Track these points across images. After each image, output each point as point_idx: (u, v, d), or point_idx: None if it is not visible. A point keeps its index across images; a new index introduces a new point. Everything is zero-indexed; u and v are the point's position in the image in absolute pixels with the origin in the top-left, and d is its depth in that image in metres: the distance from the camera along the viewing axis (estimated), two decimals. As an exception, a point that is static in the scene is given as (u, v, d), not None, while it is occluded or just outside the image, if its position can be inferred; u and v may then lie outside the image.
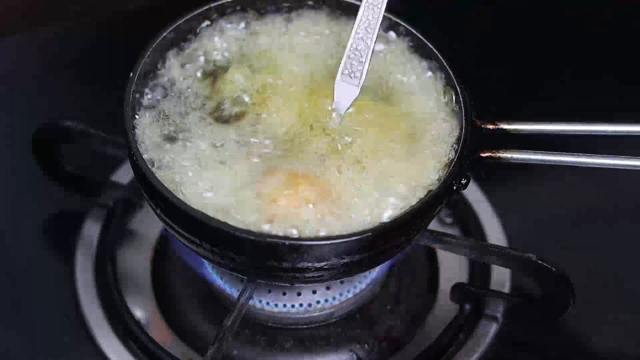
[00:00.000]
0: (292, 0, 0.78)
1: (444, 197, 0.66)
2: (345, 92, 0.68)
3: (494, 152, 0.68)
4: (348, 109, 0.68)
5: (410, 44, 0.76)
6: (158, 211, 0.66)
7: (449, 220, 0.92)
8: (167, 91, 0.72)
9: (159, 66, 0.73)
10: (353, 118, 0.70)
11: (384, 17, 0.75)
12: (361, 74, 0.67)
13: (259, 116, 0.70)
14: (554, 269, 0.70)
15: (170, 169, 0.66)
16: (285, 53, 0.76)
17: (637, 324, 0.85)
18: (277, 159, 0.67)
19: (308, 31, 0.78)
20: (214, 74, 0.74)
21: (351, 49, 0.67)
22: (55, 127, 0.84)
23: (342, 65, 0.68)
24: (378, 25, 0.67)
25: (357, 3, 0.69)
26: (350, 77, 0.67)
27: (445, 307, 0.84)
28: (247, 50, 0.76)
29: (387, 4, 0.67)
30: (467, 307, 0.83)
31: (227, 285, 0.80)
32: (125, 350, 0.79)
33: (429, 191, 0.66)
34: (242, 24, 0.77)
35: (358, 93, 0.68)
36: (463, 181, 0.67)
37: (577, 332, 0.82)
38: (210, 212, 0.62)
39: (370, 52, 0.67)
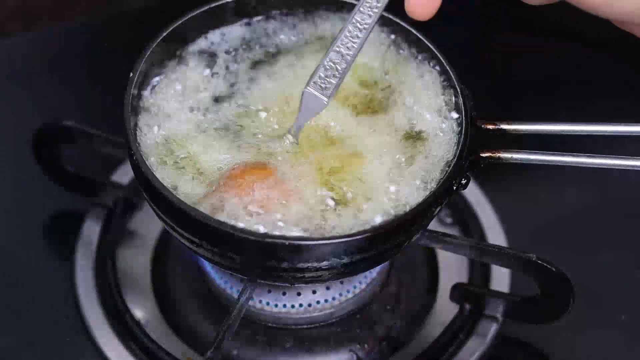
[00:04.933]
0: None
1: (444, 197, 0.66)
2: (313, 102, 0.65)
3: (494, 152, 0.68)
4: (307, 122, 0.66)
5: (410, 43, 0.76)
6: (158, 211, 0.66)
7: (449, 220, 0.92)
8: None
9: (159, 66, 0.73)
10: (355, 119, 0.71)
11: (383, 15, 0.76)
12: (333, 89, 0.64)
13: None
14: (554, 269, 0.70)
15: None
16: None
17: (637, 323, 0.85)
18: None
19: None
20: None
21: (327, 60, 0.65)
22: (55, 127, 0.84)
23: (314, 74, 0.64)
24: (360, 47, 0.64)
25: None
26: (322, 87, 0.64)
27: (445, 307, 0.84)
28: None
29: (385, 8, 0.67)
30: (467, 307, 0.83)
31: (227, 285, 0.80)
32: (125, 350, 0.79)
33: (429, 191, 0.66)
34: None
35: (324, 108, 0.65)
36: (463, 181, 0.67)
37: (577, 332, 0.82)
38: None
39: (346, 72, 0.64)
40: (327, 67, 0.64)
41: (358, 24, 0.64)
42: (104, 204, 0.90)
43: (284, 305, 0.80)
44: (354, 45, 0.64)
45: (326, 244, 0.61)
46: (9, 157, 0.97)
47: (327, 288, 0.80)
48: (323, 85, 0.64)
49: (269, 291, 0.79)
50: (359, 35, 0.64)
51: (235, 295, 0.78)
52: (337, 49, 0.64)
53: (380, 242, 0.63)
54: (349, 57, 0.64)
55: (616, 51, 1.11)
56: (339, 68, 0.64)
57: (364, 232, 0.62)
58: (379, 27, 0.77)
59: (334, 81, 0.64)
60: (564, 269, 0.70)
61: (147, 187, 0.64)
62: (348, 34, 0.64)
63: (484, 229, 0.90)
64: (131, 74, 0.69)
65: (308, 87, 0.64)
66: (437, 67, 0.74)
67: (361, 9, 0.64)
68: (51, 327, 0.82)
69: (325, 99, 0.64)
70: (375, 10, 0.64)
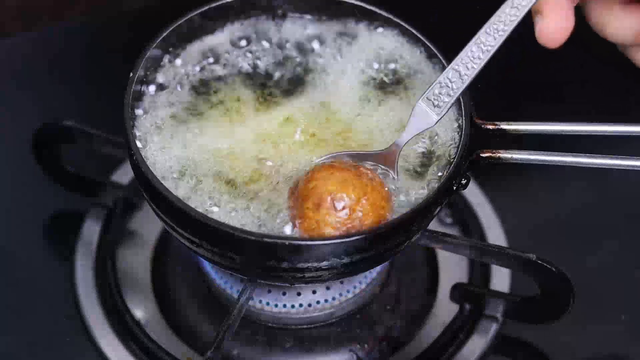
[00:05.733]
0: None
1: (444, 197, 0.66)
2: (423, 118, 0.64)
3: (494, 152, 0.68)
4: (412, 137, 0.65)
5: (410, 43, 0.76)
6: (158, 211, 0.66)
7: (449, 220, 0.92)
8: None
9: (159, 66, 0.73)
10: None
11: (386, 18, 0.76)
12: (445, 107, 0.64)
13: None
14: (554, 269, 0.70)
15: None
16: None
17: (637, 323, 0.85)
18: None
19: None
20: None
21: (444, 78, 0.64)
22: (55, 127, 0.84)
23: (429, 89, 0.64)
24: (480, 69, 0.63)
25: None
26: (434, 104, 0.64)
27: (445, 307, 0.84)
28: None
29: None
30: (467, 307, 0.83)
31: (227, 285, 0.80)
32: (125, 350, 0.79)
33: (429, 191, 0.66)
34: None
35: (435, 124, 0.65)
36: (463, 181, 0.67)
37: (577, 332, 0.82)
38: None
39: (461, 92, 0.64)
40: (443, 84, 0.63)
41: (482, 45, 0.62)
42: (104, 204, 0.90)
43: (284, 305, 0.80)
44: (474, 66, 0.63)
45: (326, 244, 0.61)
46: (9, 157, 0.97)
47: (327, 288, 0.80)
48: (436, 103, 0.63)
49: (269, 291, 0.79)
50: (481, 56, 0.63)
51: (235, 295, 0.78)
52: (456, 67, 0.63)
53: (380, 242, 0.63)
54: (466, 77, 0.63)
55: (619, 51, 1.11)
56: (454, 87, 0.63)
57: (364, 232, 0.62)
58: (378, 27, 0.77)
59: (447, 99, 0.63)
60: (564, 269, 0.70)
61: (147, 187, 0.64)
62: (470, 54, 0.63)
63: (484, 229, 0.90)
64: (131, 74, 0.69)
65: (420, 102, 0.64)
66: (437, 67, 0.74)
67: (487, 30, 0.63)
68: (51, 327, 0.82)
69: (436, 116, 0.64)
70: (502, 33, 0.62)
